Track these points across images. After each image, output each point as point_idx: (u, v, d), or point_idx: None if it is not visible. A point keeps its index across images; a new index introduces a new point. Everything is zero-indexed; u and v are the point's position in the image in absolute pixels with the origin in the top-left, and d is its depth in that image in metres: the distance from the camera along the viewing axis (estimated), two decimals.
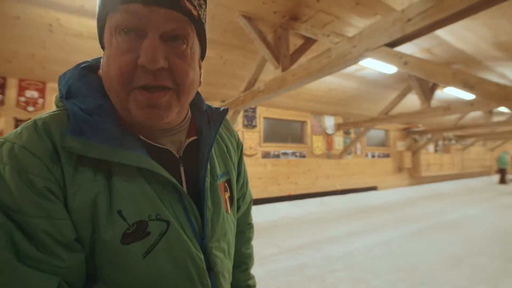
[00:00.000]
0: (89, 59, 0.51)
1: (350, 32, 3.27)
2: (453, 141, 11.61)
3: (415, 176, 9.91)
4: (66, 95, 0.45)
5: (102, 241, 0.40)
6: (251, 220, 0.79)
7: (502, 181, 11.70)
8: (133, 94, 0.41)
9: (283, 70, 3.27)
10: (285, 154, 6.49)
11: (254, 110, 5.94)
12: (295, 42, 3.49)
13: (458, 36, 3.38)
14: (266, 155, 6.09)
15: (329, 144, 7.51)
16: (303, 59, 3.54)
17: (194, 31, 0.45)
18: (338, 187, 7.52)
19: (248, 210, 0.78)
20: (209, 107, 0.62)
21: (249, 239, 0.77)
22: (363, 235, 4.27)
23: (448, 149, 11.94)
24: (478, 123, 7.58)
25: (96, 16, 0.44)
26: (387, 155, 9.14)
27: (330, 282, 2.65)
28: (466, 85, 1.58)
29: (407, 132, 9.62)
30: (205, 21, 0.48)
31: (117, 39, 0.40)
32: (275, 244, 3.81)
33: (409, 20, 1.85)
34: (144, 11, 0.39)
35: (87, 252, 0.41)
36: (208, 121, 0.58)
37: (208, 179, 0.53)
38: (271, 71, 3.92)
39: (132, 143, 0.44)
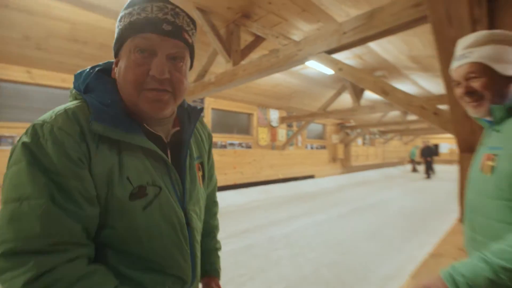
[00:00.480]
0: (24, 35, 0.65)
1: (296, 34, 3.58)
2: (377, 136, 13.35)
3: (346, 166, 11.17)
4: (84, 90, 0.59)
5: (115, 198, 0.54)
6: (216, 199, 0.97)
7: (414, 170, 13.98)
8: (143, 94, 0.57)
9: (234, 64, 3.42)
10: (231, 144, 6.70)
11: (202, 100, 5.96)
12: (245, 38, 3.66)
13: (383, 47, 3.99)
14: (213, 145, 6.19)
15: (273, 135, 7.97)
16: (253, 55, 3.74)
17: (188, 52, 0.62)
18: (280, 176, 8.07)
19: (214, 190, 0.96)
20: (189, 105, 0.78)
21: (215, 213, 0.96)
22: (301, 218, 4.78)
23: (373, 142, 13.70)
24: (396, 120, 8.93)
25: (117, 36, 0.59)
26: (324, 147, 10.09)
27: (273, 259, 2.99)
28: (383, 92, 1.99)
29: (341, 127, 10.73)
30: (195, 42, 0.64)
31: (135, 55, 0.56)
32: (222, 229, 4.02)
33: (344, 33, 2.19)
34: (158, 39, 0.55)
35: (102, 206, 0.54)
36: (188, 116, 0.74)
37: (188, 160, 0.70)
38: (221, 64, 4.03)
39: (136, 129, 0.58)
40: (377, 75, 5.21)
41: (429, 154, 11.23)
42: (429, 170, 11.18)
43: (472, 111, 0.83)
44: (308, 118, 7.18)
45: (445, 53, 1.30)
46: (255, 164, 7.34)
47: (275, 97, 6.80)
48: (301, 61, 2.62)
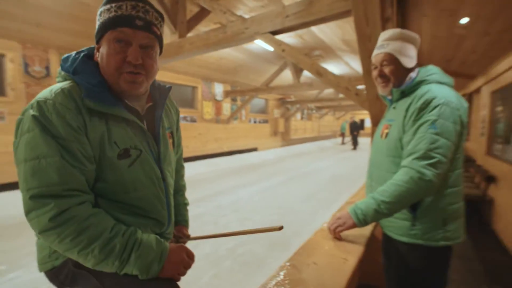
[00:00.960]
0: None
1: (242, 9, 3.65)
2: (314, 111, 14.46)
3: (286, 139, 11.98)
4: (73, 72, 0.70)
5: (107, 157, 0.69)
6: (182, 163, 1.15)
7: (343, 142, 15.70)
8: (122, 76, 0.70)
9: (180, 36, 3.37)
10: None
11: None
12: (191, 9, 3.58)
13: (321, 29, 4.35)
14: None
15: (218, 109, 8.04)
16: (199, 28, 3.71)
17: (157, 42, 0.75)
18: (225, 149, 8.31)
19: (181, 156, 1.12)
20: (159, 84, 0.92)
21: (183, 175, 1.13)
22: (246, 186, 5.16)
23: (310, 117, 14.81)
24: (330, 97, 9.83)
25: (98, 28, 0.71)
26: (266, 121, 10.59)
27: (222, 223, 3.28)
28: (318, 73, 2.30)
29: (282, 102, 11.32)
30: (163, 33, 0.78)
31: (114, 45, 0.69)
32: None
33: (287, 16, 2.40)
34: (132, 32, 0.68)
35: (97, 164, 0.68)
36: (159, 93, 0.88)
37: (161, 129, 0.86)
38: (166, 35, 3.88)
39: (119, 104, 0.72)
40: (315, 54, 5.65)
41: (355, 129, 12.75)
42: (354, 143, 12.76)
43: (381, 90, 1.13)
44: (252, 92, 7.43)
45: (363, 47, 1.61)
46: (200, 138, 7.40)
47: (219, 70, 6.80)
48: (248, 39, 2.76)
